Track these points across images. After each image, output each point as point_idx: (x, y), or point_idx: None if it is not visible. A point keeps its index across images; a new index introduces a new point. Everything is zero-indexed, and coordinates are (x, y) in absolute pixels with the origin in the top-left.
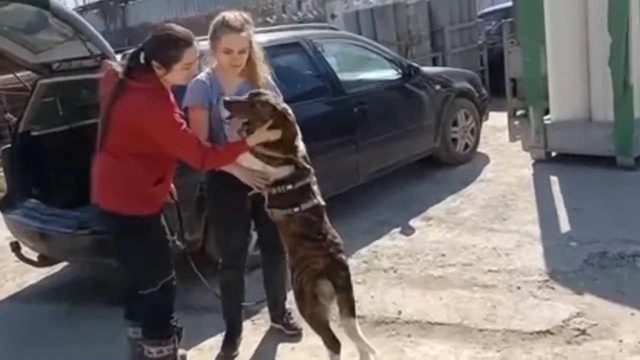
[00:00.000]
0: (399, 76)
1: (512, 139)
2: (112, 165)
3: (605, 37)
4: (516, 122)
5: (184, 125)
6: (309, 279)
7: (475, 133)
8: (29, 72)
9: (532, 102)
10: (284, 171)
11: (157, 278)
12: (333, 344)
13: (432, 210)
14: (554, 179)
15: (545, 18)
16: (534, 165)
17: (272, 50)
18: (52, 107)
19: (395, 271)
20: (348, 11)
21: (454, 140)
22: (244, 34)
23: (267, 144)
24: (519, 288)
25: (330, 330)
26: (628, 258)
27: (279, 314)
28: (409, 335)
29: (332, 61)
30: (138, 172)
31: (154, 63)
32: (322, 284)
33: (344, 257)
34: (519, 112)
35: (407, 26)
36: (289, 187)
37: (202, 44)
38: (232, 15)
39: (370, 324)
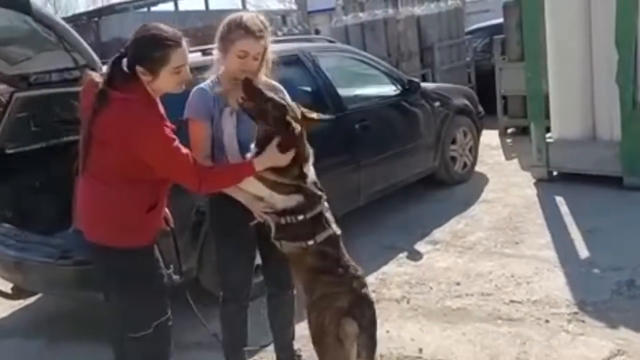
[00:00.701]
0: (400, 92)
1: (508, 157)
2: (97, 191)
3: (610, 53)
4: (508, 140)
5: (177, 142)
6: (331, 319)
7: (474, 151)
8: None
9: (534, 119)
10: (291, 200)
11: (150, 319)
12: None
13: (438, 233)
14: (559, 200)
15: (547, 34)
16: (536, 184)
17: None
18: (29, 122)
19: (408, 302)
20: (337, 26)
21: (453, 159)
22: (262, 41)
23: (274, 168)
24: (547, 321)
25: None
26: None
27: (287, 356)
28: None
29: (331, 75)
30: (127, 198)
31: (139, 69)
32: (347, 325)
33: (369, 292)
34: (509, 130)
35: (397, 42)
36: (300, 217)
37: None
38: (250, 17)
39: None
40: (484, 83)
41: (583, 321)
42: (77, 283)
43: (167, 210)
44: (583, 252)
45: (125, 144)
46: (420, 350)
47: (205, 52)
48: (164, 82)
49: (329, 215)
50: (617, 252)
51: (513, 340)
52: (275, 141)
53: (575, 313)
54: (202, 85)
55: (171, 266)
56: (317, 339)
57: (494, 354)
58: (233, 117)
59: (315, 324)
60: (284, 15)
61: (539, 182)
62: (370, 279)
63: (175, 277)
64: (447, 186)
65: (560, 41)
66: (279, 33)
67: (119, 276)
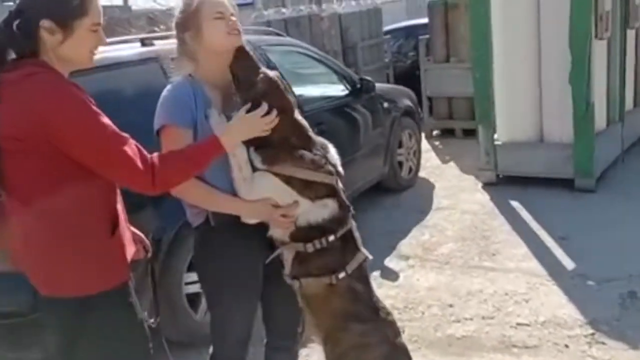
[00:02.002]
0: (353, 92)
1: (443, 160)
2: (34, 221)
3: (560, 54)
4: (437, 143)
5: (111, 125)
6: None
7: (417, 155)
8: None
9: (482, 121)
10: (323, 209)
11: None
12: None
13: (405, 247)
14: (516, 205)
15: (493, 34)
16: (484, 188)
17: None
18: None
19: (403, 331)
20: (257, 21)
21: (400, 163)
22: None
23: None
24: (567, 346)
25: None
26: None
27: None
28: None
29: (285, 72)
30: (77, 220)
31: (45, 24)
32: None
33: (403, 340)
34: (435, 132)
35: (322, 40)
36: (331, 237)
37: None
38: None
39: None
40: (401, 84)
41: (604, 343)
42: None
43: (135, 229)
44: (567, 262)
45: (44, 136)
46: None
47: (145, 42)
48: (78, 45)
49: (357, 234)
50: (601, 261)
51: None
52: (246, 106)
53: (592, 334)
54: (177, 81)
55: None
56: None
57: None
58: (223, 119)
59: None
60: None
61: (487, 186)
62: None
63: (151, 321)
64: (393, 193)
65: (507, 41)
66: None
67: (87, 335)
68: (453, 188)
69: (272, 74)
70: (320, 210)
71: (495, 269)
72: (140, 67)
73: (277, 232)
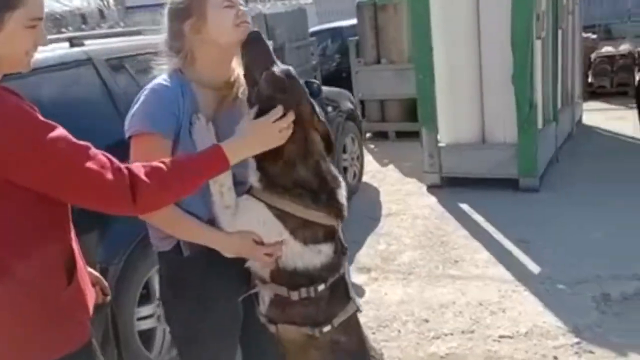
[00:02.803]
0: None
1: (382, 163)
2: None
3: (502, 55)
4: (372, 146)
5: (67, 138)
6: None
7: (361, 159)
8: None
9: (426, 123)
10: (316, 256)
11: None
12: None
13: (363, 257)
14: (466, 207)
15: (433, 34)
16: (430, 191)
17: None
18: None
19: (382, 353)
20: None
21: (344, 169)
22: None
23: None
24: (556, 358)
25: None
26: (632, 298)
27: None
28: None
29: None
30: (28, 275)
31: None
32: None
33: None
34: (368, 135)
35: None
36: (321, 287)
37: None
38: None
39: None
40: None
41: (592, 352)
42: None
43: (90, 268)
44: (532, 266)
45: None
46: None
47: (74, 42)
48: (10, 43)
49: (349, 278)
50: (565, 263)
51: None
52: (253, 109)
53: (578, 343)
54: (160, 80)
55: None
56: None
57: None
58: (210, 130)
59: None
60: (101, 9)
61: (432, 189)
62: None
63: None
64: None
65: (448, 43)
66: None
67: None
68: (398, 192)
69: (279, 69)
70: (312, 257)
71: (462, 277)
72: (71, 71)
73: (257, 267)
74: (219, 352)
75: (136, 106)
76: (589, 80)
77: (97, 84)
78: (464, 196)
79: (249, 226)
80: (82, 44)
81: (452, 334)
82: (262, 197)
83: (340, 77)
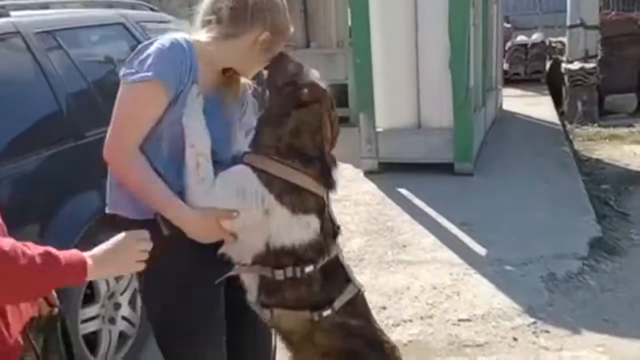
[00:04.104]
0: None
1: None
2: None
3: (439, 40)
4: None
5: None
6: None
7: None
8: None
9: (363, 109)
10: (304, 229)
11: None
12: None
13: None
14: (405, 192)
15: (371, 19)
16: (367, 177)
17: (89, 33)
18: None
19: None
20: None
21: None
22: None
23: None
24: (515, 339)
25: None
26: (578, 277)
27: None
28: None
29: None
30: None
31: None
32: None
33: None
34: None
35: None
36: (309, 268)
37: None
38: None
39: None
40: None
41: (548, 331)
42: None
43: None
44: (477, 249)
45: None
46: None
47: None
48: None
49: (344, 261)
50: (508, 244)
51: None
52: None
53: (534, 323)
54: (179, 39)
55: None
56: None
57: None
58: (199, 101)
59: None
60: None
61: (369, 174)
62: None
63: None
64: None
65: (385, 27)
66: None
67: None
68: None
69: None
70: (300, 231)
71: (413, 262)
72: None
73: (235, 251)
74: (212, 347)
75: (147, 52)
76: (504, 67)
77: (26, 59)
78: (402, 181)
79: (226, 200)
80: (8, 15)
81: (411, 320)
82: (248, 160)
83: None
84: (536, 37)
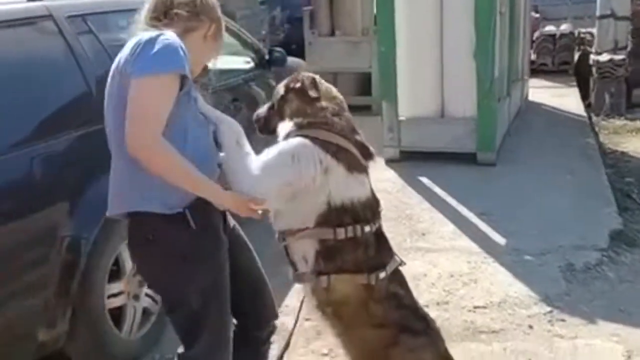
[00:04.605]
0: (260, 64)
1: None
2: None
3: (464, 30)
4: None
5: None
6: None
7: None
8: None
9: (386, 97)
10: (360, 187)
11: None
12: None
13: None
14: (426, 181)
15: (396, 8)
16: (389, 165)
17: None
18: None
19: None
20: None
21: None
22: None
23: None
24: (531, 327)
25: None
26: (596, 268)
27: None
28: None
29: None
30: None
31: None
32: None
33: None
34: None
35: None
36: (367, 228)
37: None
38: None
39: None
40: None
41: (564, 320)
42: None
43: None
44: (497, 238)
45: None
46: None
47: None
48: None
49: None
50: (529, 234)
51: (515, 358)
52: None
53: (550, 312)
54: (177, 38)
55: None
56: None
57: None
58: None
59: None
60: None
61: (390, 163)
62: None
63: None
64: None
65: (410, 16)
66: None
67: None
68: None
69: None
70: (357, 187)
71: (431, 249)
72: (29, 27)
73: (296, 217)
74: (225, 301)
75: (159, 47)
76: (532, 58)
77: (58, 43)
78: (423, 170)
79: (281, 168)
80: None
81: (427, 306)
82: (294, 134)
83: (290, 49)
84: (565, 27)
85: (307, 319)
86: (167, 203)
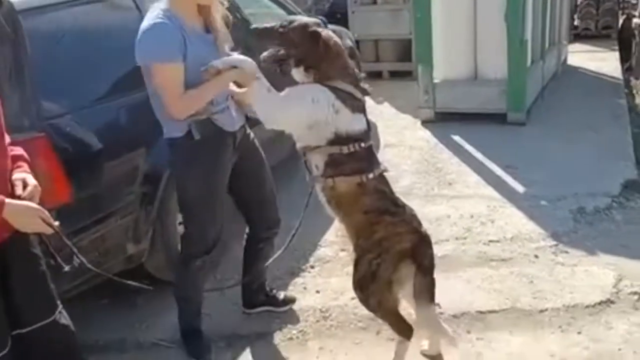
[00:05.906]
0: None
1: (377, 101)
2: None
3: None
4: (366, 85)
5: None
6: (391, 262)
7: None
8: None
9: (422, 61)
10: (359, 123)
11: None
12: (405, 330)
13: None
14: (458, 139)
15: None
16: (424, 126)
17: None
18: None
19: None
20: None
21: None
22: None
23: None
24: (537, 257)
25: (400, 316)
26: (605, 211)
27: (261, 296)
28: (468, 332)
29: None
30: None
31: None
32: (405, 268)
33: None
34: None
35: None
36: (363, 144)
37: None
38: None
39: None
40: None
41: (567, 252)
42: None
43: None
44: (518, 187)
45: None
46: (438, 305)
47: None
48: None
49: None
50: (548, 184)
51: (518, 280)
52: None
53: (556, 245)
54: (159, 19)
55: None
56: (364, 284)
57: (513, 297)
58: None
59: (366, 267)
60: None
61: (426, 123)
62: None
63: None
64: None
65: None
66: None
67: None
68: (395, 126)
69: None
70: (357, 123)
71: (456, 196)
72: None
73: (312, 140)
74: (217, 218)
75: (146, 42)
76: (575, 22)
77: (136, 14)
78: (455, 129)
79: (301, 105)
80: None
81: (447, 240)
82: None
83: (334, 18)
84: None
85: (342, 250)
86: (180, 128)
